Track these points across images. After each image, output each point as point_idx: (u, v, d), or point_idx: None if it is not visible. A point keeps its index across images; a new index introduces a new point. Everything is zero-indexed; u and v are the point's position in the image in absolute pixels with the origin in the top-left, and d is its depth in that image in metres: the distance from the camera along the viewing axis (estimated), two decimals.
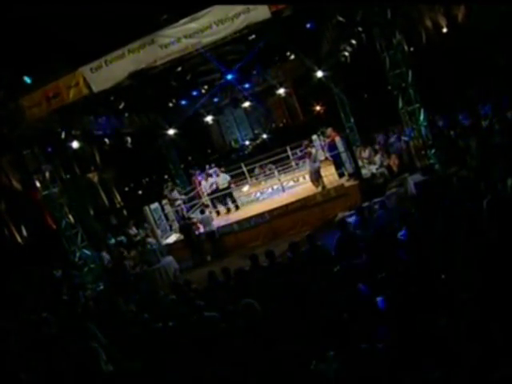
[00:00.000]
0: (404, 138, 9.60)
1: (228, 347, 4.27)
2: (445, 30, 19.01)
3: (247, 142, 26.26)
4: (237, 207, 11.76)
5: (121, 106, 8.93)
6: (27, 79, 8.07)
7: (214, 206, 11.97)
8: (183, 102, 12.75)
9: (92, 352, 5.11)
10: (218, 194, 11.76)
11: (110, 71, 7.76)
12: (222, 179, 11.80)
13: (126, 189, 30.58)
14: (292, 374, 3.18)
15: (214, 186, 11.82)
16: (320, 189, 9.86)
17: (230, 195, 11.93)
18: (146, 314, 5.87)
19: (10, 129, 8.62)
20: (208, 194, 11.85)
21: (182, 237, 10.31)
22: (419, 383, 2.70)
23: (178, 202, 11.84)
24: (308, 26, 8.04)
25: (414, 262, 4.26)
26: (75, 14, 9.29)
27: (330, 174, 10.58)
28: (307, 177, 10.87)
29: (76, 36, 9.07)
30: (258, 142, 25.54)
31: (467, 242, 4.13)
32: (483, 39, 13.76)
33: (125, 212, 22.99)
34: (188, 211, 12.01)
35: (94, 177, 29.47)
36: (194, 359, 4.39)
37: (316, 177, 9.92)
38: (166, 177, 17.83)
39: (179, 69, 8.33)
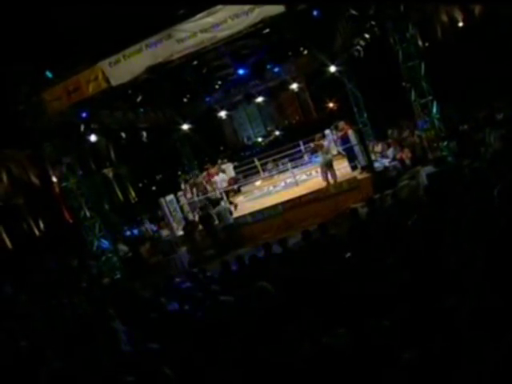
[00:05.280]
0: (417, 132, 9.63)
1: (241, 329, 4.42)
2: (461, 25, 18.81)
3: (260, 139, 26.30)
4: (235, 206, 11.62)
5: (138, 100, 9.16)
6: (49, 74, 8.34)
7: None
8: (197, 97, 12.92)
9: (112, 332, 5.34)
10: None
11: (128, 65, 7.98)
12: (220, 179, 11.85)
13: (140, 185, 31.08)
14: (302, 348, 3.32)
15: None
16: (332, 182, 9.91)
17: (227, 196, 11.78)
18: (162, 298, 6.08)
19: (31, 122, 8.90)
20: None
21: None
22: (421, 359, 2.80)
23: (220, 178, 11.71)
24: (320, 18, 8.06)
25: (424, 247, 4.35)
26: (95, 11, 9.56)
27: (342, 167, 10.65)
28: (320, 170, 10.95)
29: (95, 32, 9.33)
30: (270, 138, 25.56)
31: (477, 228, 4.20)
32: (500, 34, 13.62)
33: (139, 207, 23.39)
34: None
35: (108, 172, 30.03)
36: (208, 340, 4.56)
37: (327, 169, 9.95)
38: (179, 173, 18.09)
39: (195, 63, 8.49)
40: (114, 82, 8.09)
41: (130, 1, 8.81)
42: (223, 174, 12.19)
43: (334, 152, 12.28)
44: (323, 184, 10.16)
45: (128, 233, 13.02)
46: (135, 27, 8.15)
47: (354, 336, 3.20)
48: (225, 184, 11.77)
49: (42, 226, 23.92)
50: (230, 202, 11.72)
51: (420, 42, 16.38)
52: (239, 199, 12.87)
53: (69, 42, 9.77)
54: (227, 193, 12.04)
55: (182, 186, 12.20)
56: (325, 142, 10.42)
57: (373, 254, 4.71)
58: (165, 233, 11.46)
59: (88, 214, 9.55)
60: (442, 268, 3.87)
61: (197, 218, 10.94)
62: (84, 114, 8.80)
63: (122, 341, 5.37)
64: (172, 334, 5.12)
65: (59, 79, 8.35)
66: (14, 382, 4.72)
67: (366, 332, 3.17)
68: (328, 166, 9.90)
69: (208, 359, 4.26)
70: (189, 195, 12.01)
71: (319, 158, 10.63)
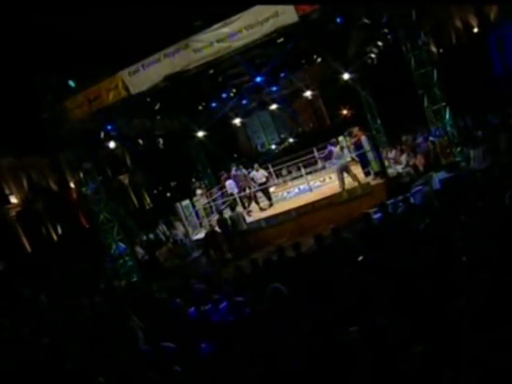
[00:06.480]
0: (431, 139, 9.64)
1: (253, 328, 4.54)
2: (476, 30, 18.73)
3: (273, 147, 26.39)
4: (271, 204, 11.73)
5: (156, 107, 9.42)
6: (72, 83, 8.69)
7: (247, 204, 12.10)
8: (213, 105, 13.15)
9: (130, 330, 5.52)
10: (258, 188, 11.81)
11: (146, 74, 8.27)
12: (261, 175, 11.98)
13: (155, 191, 31.58)
14: (314, 344, 3.43)
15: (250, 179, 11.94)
16: (356, 183, 9.94)
17: (267, 191, 11.99)
18: (178, 299, 6.24)
19: (54, 129, 9.22)
20: (238, 192, 11.91)
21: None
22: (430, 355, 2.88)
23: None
24: (336, 27, 8.13)
25: (436, 250, 4.41)
26: (115, 24, 9.93)
27: (356, 173, 10.69)
28: (333, 176, 11.02)
29: (116, 43, 9.67)
30: (284, 146, 25.64)
31: (489, 232, 4.26)
32: None
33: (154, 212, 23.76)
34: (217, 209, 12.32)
35: (124, 179, 30.65)
36: (223, 339, 4.69)
37: (341, 173, 10.00)
38: (193, 180, 18.33)
39: (211, 71, 8.72)
40: (133, 91, 8.37)
41: (150, 13, 9.13)
42: (263, 170, 12.25)
43: (348, 158, 12.32)
44: (337, 190, 10.23)
45: (144, 237, 13.29)
46: (154, 38, 8.42)
47: (365, 333, 3.31)
48: (264, 179, 11.82)
49: (59, 230, 24.56)
50: (269, 198, 11.75)
51: (434, 49, 16.43)
52: (252, 205, 12.99)
53: (91, 52, 10.15)
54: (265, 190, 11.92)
55: (198, 191, 12.40)
56: (333, 148, 10.40)
57: (385, 256, 4.78)
58: (180, 237, 11.69)
59: (107, 216, 9.81)
60: (453, 270, 3.94)
61: (213, 222, 11.10)
62: (109, 127, 9.09)
63: (139, 339, 5.53)
64: (187, 333, 5.27)
65: (81, 88, 8.67)
66: (38, 376, 4.93)
67: (376, 330, 3.27)
68: (345, 170, 9.92)
69: (223, 358, 4.39)
70: (204, 200, 12.17)
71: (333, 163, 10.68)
